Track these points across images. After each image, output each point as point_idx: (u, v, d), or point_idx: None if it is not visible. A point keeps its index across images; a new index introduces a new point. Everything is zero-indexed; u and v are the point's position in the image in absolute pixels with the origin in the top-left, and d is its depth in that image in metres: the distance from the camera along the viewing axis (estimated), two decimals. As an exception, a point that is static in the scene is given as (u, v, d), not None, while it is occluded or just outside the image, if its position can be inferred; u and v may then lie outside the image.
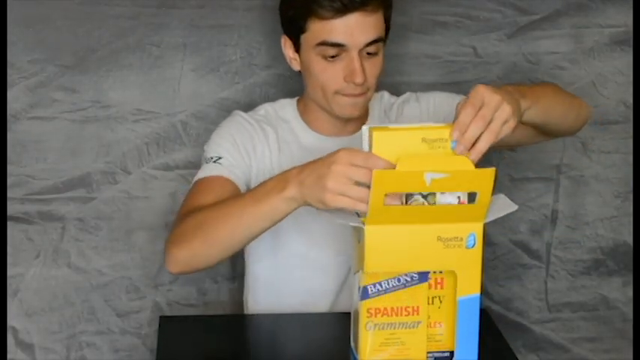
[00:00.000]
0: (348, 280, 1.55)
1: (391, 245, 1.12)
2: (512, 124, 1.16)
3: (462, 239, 1.13)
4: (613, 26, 1.82)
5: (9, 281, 1.77)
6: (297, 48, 1.46)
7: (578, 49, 1.83)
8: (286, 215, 1.23)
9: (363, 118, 1.54)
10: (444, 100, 1.56)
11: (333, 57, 1.40)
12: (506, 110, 1.15)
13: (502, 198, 1.18)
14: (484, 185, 1.09)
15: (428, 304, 1.17)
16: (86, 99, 1.74)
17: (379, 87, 1.51)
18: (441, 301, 1.17)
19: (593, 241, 1.90)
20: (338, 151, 1.13)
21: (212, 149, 1.50)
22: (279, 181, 1.21)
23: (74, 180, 1.76)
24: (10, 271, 1.76)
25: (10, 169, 1.73)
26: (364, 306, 1.15)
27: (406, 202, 1.13)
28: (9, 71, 1.70)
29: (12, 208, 1.74)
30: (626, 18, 1.82)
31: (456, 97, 1.52)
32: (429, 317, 1.17)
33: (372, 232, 1.11)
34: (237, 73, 1.77)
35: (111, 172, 1.76)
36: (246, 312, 1.62)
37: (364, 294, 1.15)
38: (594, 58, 1.83)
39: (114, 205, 1.77)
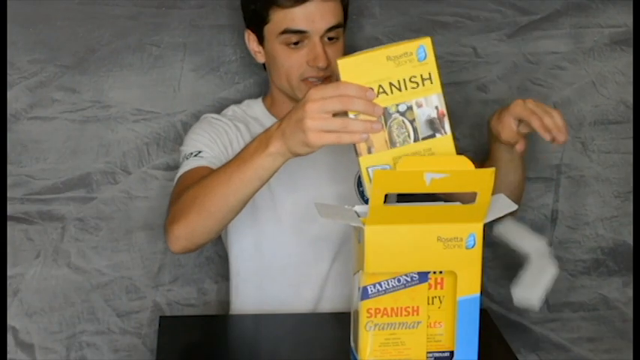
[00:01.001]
0: (332, 269, 1.57)
1: (391, 245, 1.12)
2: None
3: (461, 239, 1.13)
4: (613, 26, 1.82)
5: (9, 281, 1.77)
6: (260, 40, 1.53)
7: (578, 49, 1.83)
8: (274, 172, 1.23)
9: None
10: None
11: (296, 44, 1.47)
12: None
13: (502, 198, 1.18)
14: (484, 185, 1.09)
15: (428, 304, 1.17)
16: (86, 99, 1.74)
17: None
18: (441, 302, 1.17)
19: (593, 241, 1.90)
20: (308, 91, 1.14)
21: (190, 146, 1.53)
22: (262, 139, 1.21)
23: (74, 180, 1.76)
24: (10, 271, 1.76)
25: (10, 169, 1.73)
26: (364, 306, 1.15)
27: (386, 123, 1.14)
28: (9, 71, 1.70)
29: (12, 208, 1.74)
30: (626, 18, 1.82)
31: None
32: (429, 317, 1.17)
33: (372, 232, 1.11)
34: (237, 73, 1.77)
35: (111, 172, 1.76)
36: (231, 312, 1.64)
37: (364, 294, 1.15)
38: (594, 58, 1.83)
39: (114, 205, 1.77)
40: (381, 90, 1.13)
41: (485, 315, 1.44)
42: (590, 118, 1.85)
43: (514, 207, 1.16)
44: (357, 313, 1.17)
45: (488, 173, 1.08)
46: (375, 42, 1.78)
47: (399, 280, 1.15)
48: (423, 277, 1.16)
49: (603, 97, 1.85)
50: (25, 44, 1.70)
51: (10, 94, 1.71)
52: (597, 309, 1.93)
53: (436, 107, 1.15)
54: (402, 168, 1.08)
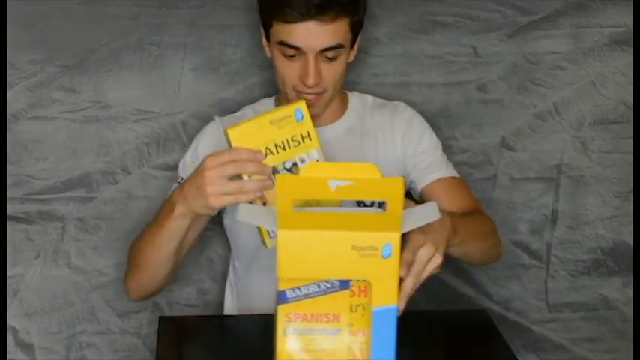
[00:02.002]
0: None
1: (305, 251, 1.09)
2: (438, 263, 1.20)
3: (377, 249, 1.09)
4: (613, 26, 1.82)
5: (9, 281, 1.77)
6: (268, 39, 1.53)
7: (578, 49, 1.83)
8: (186, 229, 1.37)
9: (339, 112, 1.62)
10: (418, 138, 1.61)
11: (292, 56, 1.47)
12: (436, 262, 1.20)
13: (431, 206, 1.16)
14: (393, 195, 1.06)
15: (351, 311, 1.14)
16: (86, 99, 1.74)
17: (365, 89, 1.53)
18: (364, 309, 1.14)
19: (593, 241, 1.90)
20: (205, 158, 1.26)
21: (181, 168, 1.60)
22: (169, 204, 1.36)
23: (74, 180, 1.76)
24: (10, 271, 1.76)
25: (10, 169, 1.73)
26: (283, 310, 1.13)
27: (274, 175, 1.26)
28: (9, 71, 1.70)
29: (12, 208, 1.74)
30: (626, 18, 1.82)
31: (433, 145, 1.62)
32: (352, 325, 1.14)
33: (285, 237, 1.09)
34: (237, 73, 1.77)
35: (111, 172, 1.76)
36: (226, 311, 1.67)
37: (283, 298, 1.12)
38: (594, 58, 1.83)
39: (114, 205, 1.77)
40: (268, 152, 1.27)
41: (485, 315, 1.44)
42: (590, 118, 1.86)
43: (437, 216, 1.13)
44: (276, 316, 1.14)
45: (397, 182, 1.05)
46: (375, 42, 1.78)
47: (319, 286, 1.12)
48: (344, 283, 1.13)
49: (603, 97, 1.85)
50: (25, 44, 1.70)
51: (10, 94, 1.71)
52: (597, 309, 1.93)
53: (317, 160, 1.30)
54: (306, 173, 1.07)
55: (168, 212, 1.35)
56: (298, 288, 1.13)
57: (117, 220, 1.78)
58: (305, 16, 1.41)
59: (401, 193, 1.06)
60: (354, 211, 1.14)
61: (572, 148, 1.86)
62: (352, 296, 1.14)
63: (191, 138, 1.76)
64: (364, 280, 1.13)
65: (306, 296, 1.13)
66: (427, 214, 1.13)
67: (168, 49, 1.74)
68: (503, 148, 1.85)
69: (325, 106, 1.54)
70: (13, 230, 1.75)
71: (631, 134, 1.86)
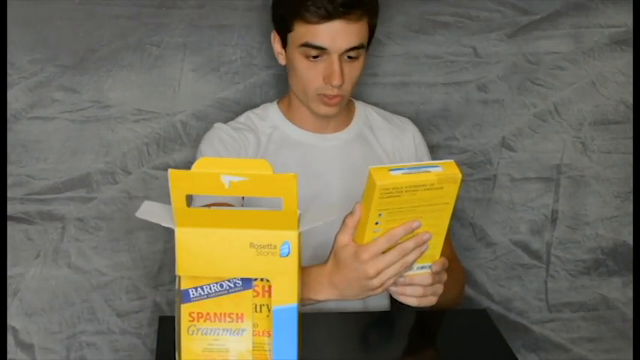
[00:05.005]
0: None
1: (203, 249, 1.08)
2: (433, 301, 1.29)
3: (275, 247, 1.07)
4: (613, 26, 1.82)
5: (9, 281, 1.77)
6: (284, 44, 1.52)
7: (578, 49, 1.83)
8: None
9: (346, 119, 1.62)
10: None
11: (315, 57, 1.47)
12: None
13: (330, 206, 1.15)
14: (287, 191, 1.04)
15: (255, 311, 1.12)
16: (86, 99, 1.74)
17: (357, 94, 1.58)
18: (269, 310, 1.12)
19: (593, 241, 1.90)
20: (358, 250, 1.19)
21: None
22: (310, 289, 1.27)
23: (74, 180, 1.76)
24: (10, 271, 1.76)
25: (10, 169, 1.73)
26: (186, 309, 1.11)
27: None
28: (9, 71, 1.70)
29: (12, 208, 1.74)
30: (626, 18, 1.82)
31: None
32: (256, 325, 1.12)
33: (182, 235, 1.08)
34: (237, 73, 1.77)
35: (111, 172, 1.76)
36: None
37: (185, 297, 1.11)
38: (594, 58, 1.83)
39: (114, 205, 1.77)
40: None
41: (485, 315, 1.44)
42: (590, 118, 1.86)
43: (334, 215, 1.12)
44: (179, 316, 1.13)
45: (290, 178, 1.03)
46: (374, 42, 1.77)
47: (221, 285, 1.10)
48: (247, 283, 1.11)
49: (603, 97, 1.85)
50: (25, 44, 1.70)
51: (10, 94, 1.71)
52: (597, 309, 1.93)
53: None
54: (198, 169, 1.04)
55: (309, 296, 1.27)
56: (201, 287, 1.11)
57: (117, 220, 1.78)
58: (331, 15, 1.42)
59: (294, 188, 1.04)
60: (252, 209, 1.11)
61: (572, 148, 1.86)
62: (255, 296, 1.11)
63: (191, 138, 1.76)
64: (267, 280, 1.10)
65: (209, 296, 1.11)
66: (325, 213, 1.12)
67: (168, 49, 1.74)
68: (503, 148, 1.85)
69: (341, 109, 1.55)
70: (13, 230, 1.75)
71: (631, 134, 1.86)
